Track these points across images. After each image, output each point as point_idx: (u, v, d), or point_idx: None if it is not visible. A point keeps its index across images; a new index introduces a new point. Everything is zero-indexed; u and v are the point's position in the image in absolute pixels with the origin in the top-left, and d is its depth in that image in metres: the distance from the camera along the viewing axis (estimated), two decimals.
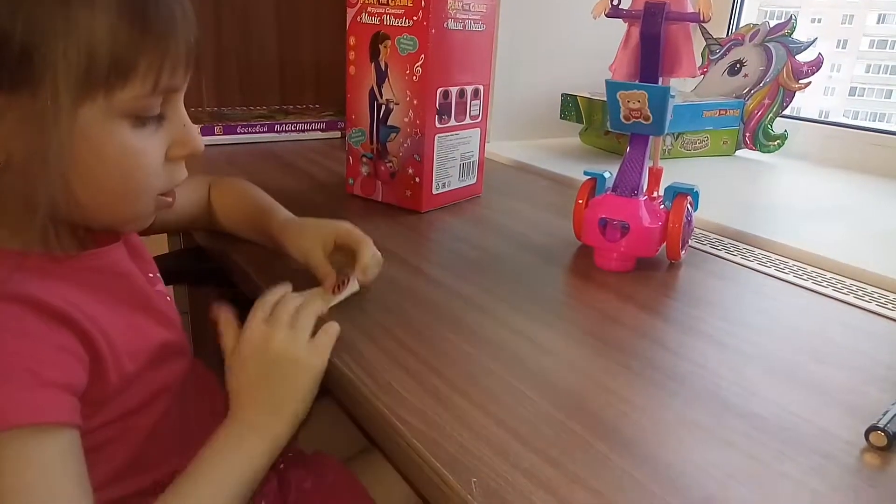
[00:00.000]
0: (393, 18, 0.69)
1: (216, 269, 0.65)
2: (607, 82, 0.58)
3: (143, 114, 0.38)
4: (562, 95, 1.09)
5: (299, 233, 0.55)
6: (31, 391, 0.34)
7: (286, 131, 1.09)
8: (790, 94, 1.05)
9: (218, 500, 0.40)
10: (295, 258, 0.55)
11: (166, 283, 0.51)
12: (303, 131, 1.10)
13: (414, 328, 0.48)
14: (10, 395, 0.33)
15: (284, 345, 0.43)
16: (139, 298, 0.45)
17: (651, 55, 0.56)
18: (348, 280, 0.51)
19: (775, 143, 1.08)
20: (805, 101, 1.16)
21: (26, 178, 0.35)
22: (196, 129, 0.42)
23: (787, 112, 1.07)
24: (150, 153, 0.40)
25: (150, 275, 0.48)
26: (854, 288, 0.59)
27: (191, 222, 0.63)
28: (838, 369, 0.46)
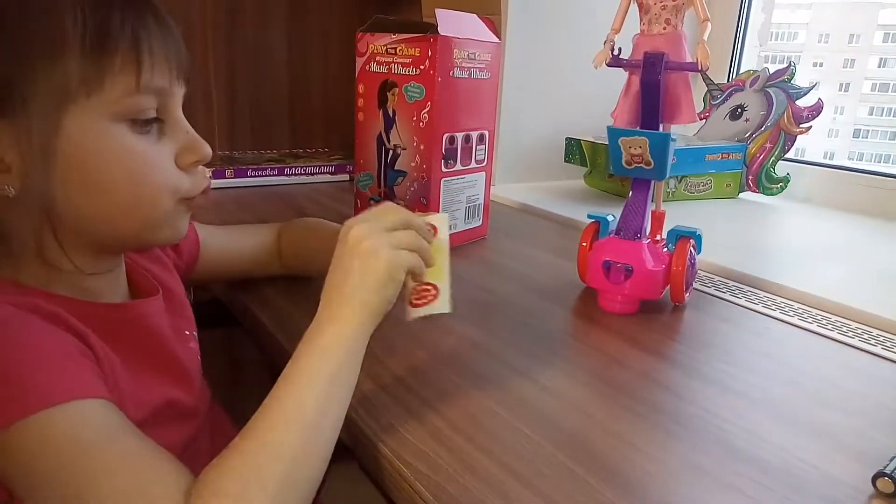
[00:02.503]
0: (401, 67, 0.71)
1: (221, 315, 0.65)
2: (609, 129, 0.59)
3: (136, 115, 0.39)
4: (566, 139, 1.11)
5: None
6: (74, 368, 0.35)
7: (296, 174, 1.11)
8: (791, 138, 1.07)
9: (308, 398, 0.37)
10: None
11: None
12: (312, 174, 1.12)
13: (418, 369, 0.49)
14: (57, 372, 0.34)
15: (364, 234, 0.41)
16: (158, 356, 0.45)
17: (651, 103, 0.58)
18: (437, 295, 0.46)
19: (778, 185, 1.09)
20: (810, 143, 1.18)
21: (33, 201, 0.37)
22: (199, 136, 0.43)
23: (790, 154, 1.08)
24: (155, 156, 0.41)
25: (186, 332, 0.49)
26: (859, 331, 0.59)
27: (256, 265, 0.63)
28: (844, 414, 0.45)
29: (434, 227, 0.46)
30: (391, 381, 0.47)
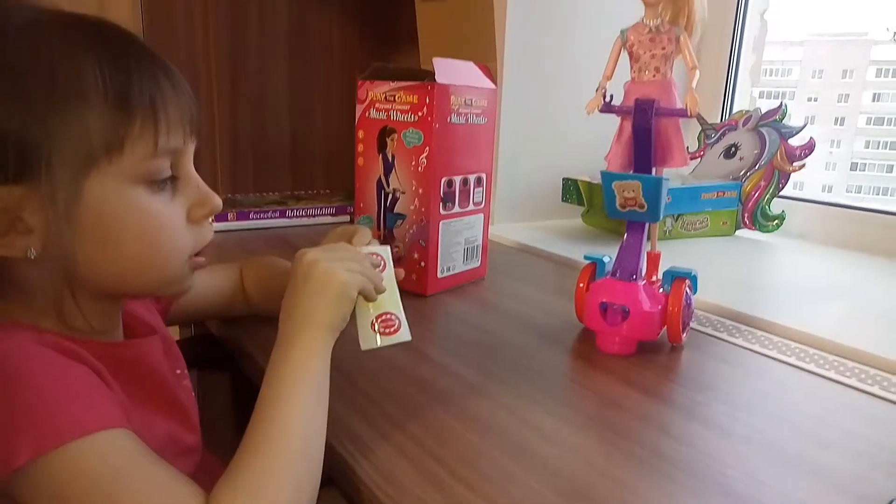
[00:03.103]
0: (399, 114, 0.73)
1: (226, 357, 0.66)
2: (603, 173, 0.61)
3: (154, 177, 0.41)
4: (563, 179, 1.13)
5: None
6: (100, 399, 0.37)
7: (297, 216, 1.12)
8: (785, 176, 1.09)
9: (293, 414, 0.40)
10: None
11: None
12: (313, 216, 1.14)
13: (417, 414, 0.49)
14: (85, 403, 0.36)
15: (317, 258, 0.45)
16: (160, 394, 0.46)
17: (643, 147, 0.59)
18: (400, 324, 0.50)
19: (774, 223, 1.10)
20: (808, 177, 1.19)
21: (53, 262, 0.38)
22: (210, 189, 0.45)
23: (788, 187, 1.10)
24: (170, 216, 0.42)
25: (178, 371, 0.50)
26: (856, 370, 0.59)
27: (227, 308, 0.65)
28: (843, 455, 0.46)
29: (382, 259, 0.51)
30: (388, 425, 0.47)
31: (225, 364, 0.72)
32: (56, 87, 0.37)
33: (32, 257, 0.38)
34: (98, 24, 0.40)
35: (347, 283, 0.45)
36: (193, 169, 0.44)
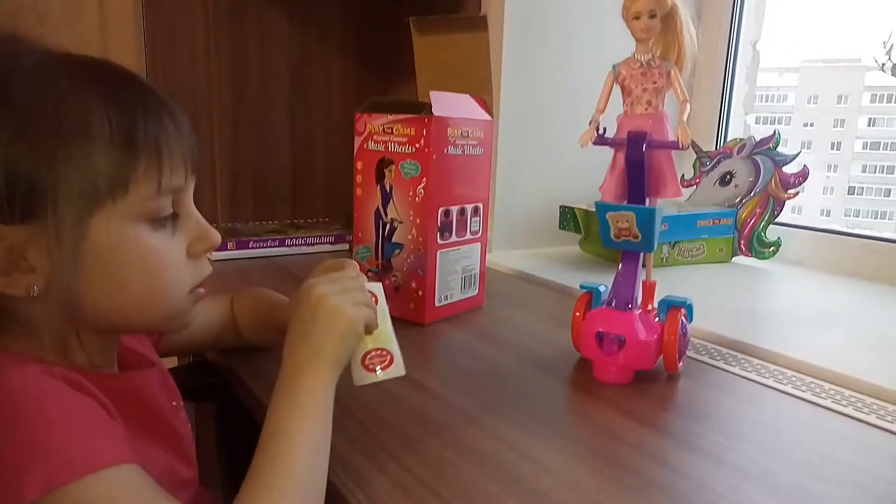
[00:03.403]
0: (397, 146, 0.74)
1: (220, 385, 0.66)
2: (597, 204, 0.62)
3: (156, 215, 0.42)
4: (560, 207, 1.14)
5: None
6: (110, 434, 0.37)
7: (296, 245, 1.13)
8: (780, 203, 1.10)
9: (298, 452, 0.40)
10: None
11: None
12: (312, 244, 1.14)
13: (414, 446, 0.49)
14: (97, 438, 0.36)
15: (325, 292, 0.45)
16: (158, 427, 0.46)
17: (637, 179, 0.60)
18: (393, 359, 0.50)
19: (770, 249, 1.11)
20: (806, 201, 1.20)
21: (56, 300, 0.39)
22: (209, 225, 0.46)
23: (786, 212, 1.11)
24: (171, 252, 0.43)
25: (174, 403, 0.50)
26: (853, 399, 0.60)
27: (218, 340, 0.65)
28: (839, 487, 0.46)
29: (374, 295, 0.51)
30: (384, 456, 0.47)
31: (213, 393, 0.72)
32: (64, 128, 0.37)
33: (35, 295, 0.39)
34: (103, 66, 0.41)
35: (355, 320, 0.46)
36: (193, 205, 0.45)
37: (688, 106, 0.58)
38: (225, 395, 0.67)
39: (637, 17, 0.58)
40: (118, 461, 0.35)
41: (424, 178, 0.73)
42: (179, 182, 0.43)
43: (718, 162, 1.16)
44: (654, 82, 0.60)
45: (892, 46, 1.01)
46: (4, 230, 0.37)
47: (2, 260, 0.38)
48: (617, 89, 0.62)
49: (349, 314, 0.45)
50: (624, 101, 0.62)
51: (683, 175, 1.19)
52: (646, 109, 0.60)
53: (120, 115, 0.39)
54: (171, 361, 0.97)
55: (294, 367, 0.44)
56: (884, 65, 0.99)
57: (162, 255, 0.42)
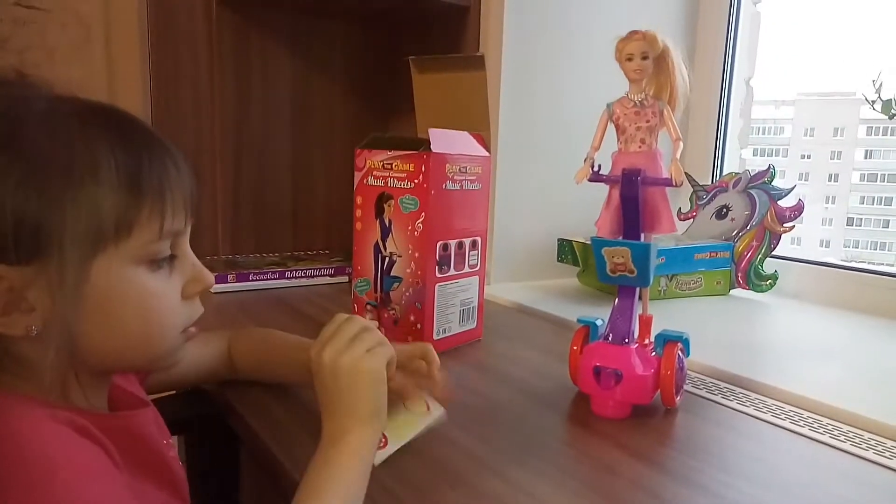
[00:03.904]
0: (396, 181, 0.76)
1: (212, 416, 0.66)
2: (593, 239, 0.62)
3: (155, 257, 0.42)
4: (558, 240, 1.15)
5: None
6: (114, 485, 0.38)
7: (296, 277, 1.14)
8: (776, 236, 1.11)
9: None
10: None
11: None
12: (312, 277, 1.15)
13: (411, 482, 0.49)
14: (103, 491, 0.36)
15: (335, 353, 0.46)
16: (153, 464, 0.47)
17: (632, 215, 0.61)
18: (429, 406, 0.50)
19: (767, 282, 1.11)
20: (805, 232, 1.21)
21: (55, 340, 0.39)
22: (203, 267, 0.47)
23: (785, 243, 1.11)
24: (168, 293, 0.44)
25: (165, 441, 0.50)
26: (851, 434, 0.60)
27: (211, 375, 0.66)
28: None
29: None
30: (378, 491, 0.47)
31: (200, 424, 0.72)
32: (73, 172, 0.38)
33: (34, 335, 0.39)
34: (109, 112, 0.42)
35: (375, 368, 0.46)
36: (189, 247, 0.46)
37: (681, 144, 0.60)
38: (210, 425, 0.68)
39: (630, 59, 0.60)
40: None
41: (423, 213, 0.74)
42: (179, 226, 0.44)
43: (714, 195, 1.17)
44: (648, 121, 0.61)
45: (881, 84, 1.03)
46: (7, 271, 0.38)
47: (3, 299, 0.38)
48: (611, 127, 0.64)
49: (367, 365, 0.46)
50: (618, 139, 0.63)
51: (680, 208, 1.21)
52: (640, 147, 0.62)
53: (127, 159, 0.40)
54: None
55: (333, 433, 0.45)
56: (874, 102, 1.01)
57: (160, 297, 0.43)
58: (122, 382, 0.52)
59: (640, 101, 0.61)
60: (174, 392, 0.69)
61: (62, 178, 0.38)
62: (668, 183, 0.59)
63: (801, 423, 0.62)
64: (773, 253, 1.12)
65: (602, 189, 0.64)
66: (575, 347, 0.67)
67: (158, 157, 0.42)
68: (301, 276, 1.14)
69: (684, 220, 1.19)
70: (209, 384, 0.68)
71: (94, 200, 0.38)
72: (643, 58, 0.60)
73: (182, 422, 0.69)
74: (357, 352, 0.46)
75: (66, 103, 0.41)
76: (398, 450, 0.49)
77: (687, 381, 0.69)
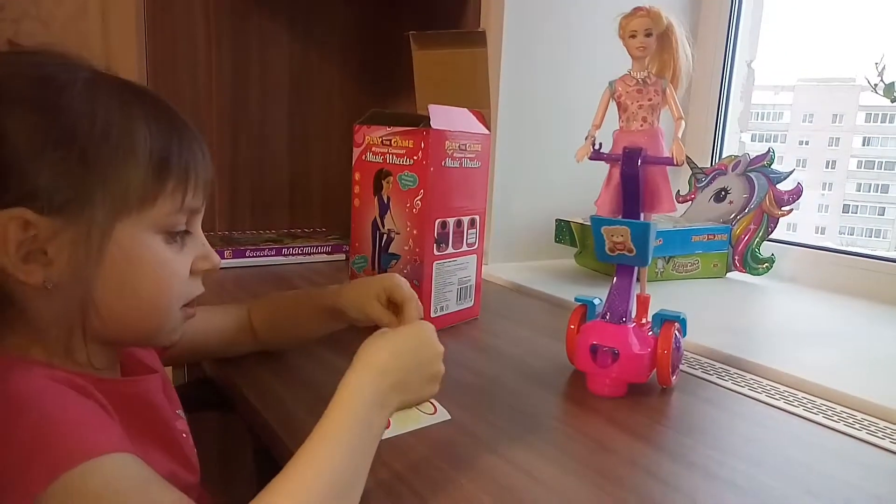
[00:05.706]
0: (395, 158, 0.75)
1: (216, 398, 0.66)
2: (592, 218, 0.62)
3: (172, 228, 0.45)
4: (556, 221, 1.15)
5: (354, 289, 0.62)
6: (107, 427, 0.38)
7: (293, 254, 1.14)
8: (774, 220, 1.11)
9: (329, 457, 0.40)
10: (354, 318, 0.61)
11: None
12: (309, 254, 1.15)
13: (406, 455, 0.49)
14: (93, 430, 0.37)
15: (407, 394, 0.46)
16: (160, 432, 0.47)
17: (632, 194, 0.61)
18: (436, 409, 0.52)
19: (764, 265, 1.12)
20: (801, 218, 1.22)
21: (67, 296, 0.40)
22: (211, 248, 0.49)
23: (781, 229, 1.12)
24: (179, 265, 0.46)
25: (176, 411, 0.51)
26: (844, 415, 0.60)
27: (229, 347, 0.66)
28: (829, 502, 0.46)
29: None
30: (378, 466, 0.47)
31: (215, 404, 0.72)
32: (112, 138, 0.40)
33: (49, 287, 0.40)
34: (147, 92, 0.45)
35: (423, 398, 0.49)
36: (200, 228, 0.48)
37: (682, 123, 0.59)
38: (225, 409, 0.68)
39: (633, 36, 0.59)
40: (115, 450, 0.36)
41: (422, 190, 0.74)
42: (198, 204, 0.46)
43: (713, 178, 1.17)
44: (650, 99, 0.61)
45: (884, 68, 1.02)
46: (38, 220, 0.39)
47: (26, 248, 0.39)
48: (613, 105, 0.63)
49: (419, 397, 0.48)
50: (620, 118, 0.63)
51: (679, 191, 1.20)
52: (641, 126, 0.61)
53: (160, 136, 0.43)
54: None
55: (354, 398, 0.43)
56: (876, 85, 1.01)
57: (172, 266, 0.45)
58: (134, 350, 0.53)
59: (642, 79, 0.61)
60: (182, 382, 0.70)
61: (102, 142, 0.40)
62: (669, 162, 0.59)
63: (796, 403, 0.62)
64: (770, 236, 1.12)
65: (601, 170, 0.64)
66: (572, 326, 0.67)
67: (188, 141, 0.45)
68: (298, 254, 1.14)
69: (682, 203, 1.19)
70: (214, 369, 0.68)
71: (128, 168, 0.41)
72: (647, 35, 0.59)
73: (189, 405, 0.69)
74: (425, 394, 0.48)
75: (108, 79, 0.43)
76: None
77: (682, 362, 0.69)
